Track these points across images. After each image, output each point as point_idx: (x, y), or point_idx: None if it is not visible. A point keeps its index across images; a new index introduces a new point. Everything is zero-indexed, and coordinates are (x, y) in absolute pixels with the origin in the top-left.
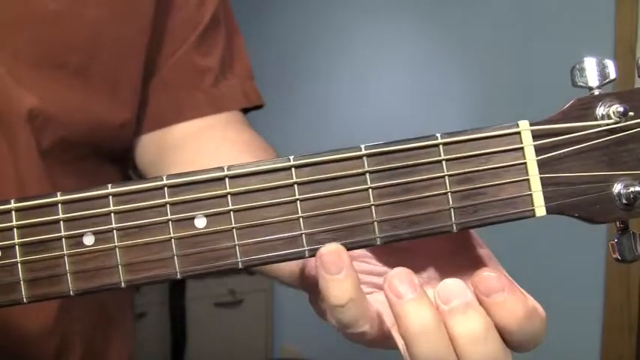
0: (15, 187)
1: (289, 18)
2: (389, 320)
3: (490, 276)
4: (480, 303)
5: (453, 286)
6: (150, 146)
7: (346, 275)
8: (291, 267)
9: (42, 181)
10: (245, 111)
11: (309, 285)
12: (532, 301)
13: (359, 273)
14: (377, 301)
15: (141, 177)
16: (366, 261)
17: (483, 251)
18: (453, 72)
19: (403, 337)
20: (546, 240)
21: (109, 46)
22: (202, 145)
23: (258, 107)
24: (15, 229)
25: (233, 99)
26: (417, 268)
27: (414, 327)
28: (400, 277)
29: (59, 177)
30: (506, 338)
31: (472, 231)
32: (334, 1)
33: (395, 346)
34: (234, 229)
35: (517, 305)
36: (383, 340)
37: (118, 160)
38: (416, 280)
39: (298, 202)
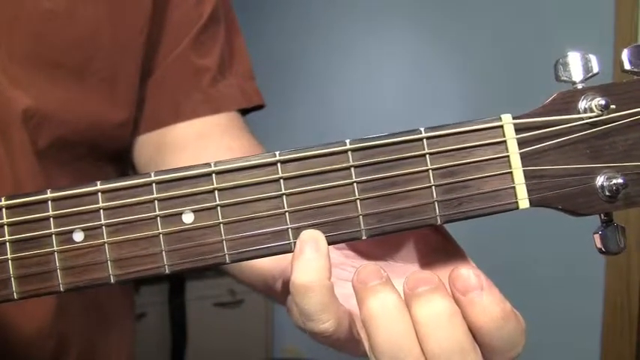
0: (12, 188)
1: (289, 20)
2: (359, 323)
3: (468, 273)
4: (456, 302)
5: (422, 274)
6: (148, 146)
7: (318, 257)
8: (272, 273)
9: (39, 182)
10: (246, 111)
11: (285, 290)
12: (510, 306)
13: (338, 279)
14: (351, 306)
15: None
16: (346, 269)
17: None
18: (452, 73)
19: (364, 324)
20: (546, 240)
21: (106, 44)
22: (200, 150)
23: (259, 107)
24: (5, 227)
25: (231, 99)
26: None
27: (375, 309)
28: (368, 267)
29: (56, 177)
30: (481, 341)
31: (456, 244)
32: (334, 4)
33: (365, 351)
34: (222, 224)
35: (494, 305)
36: (352, 343)
37: (116, 160)
38: (384, 273)
39: (284, 196)
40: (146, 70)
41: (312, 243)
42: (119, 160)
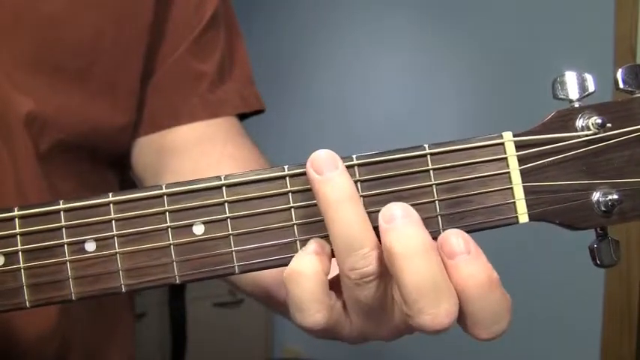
0: (14, 190)
1: (286, 18)
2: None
3: (457, 238)
4: (444, 267)
5: (397, 205)
6: (146, 149)
7: (320, 253)
8: (276, 281)
9: (41, 184)
10: (245, 115)
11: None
12: (497, 276)
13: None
14: None
15: (138, 180)
16: None
17: None
18: (454, 73)
19: (321, 206)
20: (546, 239)
21: (108, 48)
22: (202, 157)
23: (260, 111)
24: (18, 236)
25: (230, 104)
26: None
27: (327, 199)
28: (322, 155)
29: (58, 180)
30: (464, 308)
31: None
32: (334, 4)
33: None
34: (231, 236)
35: (480, 271)
36: (347, 332)
37: (116, 163)
38: (339, 161)
39: (292, 209)
40: (146, 72)
41: (319, 242)
42: (120, 163)
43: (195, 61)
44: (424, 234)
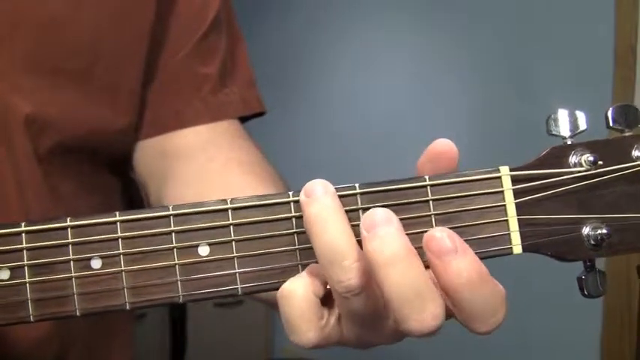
0: (15, 191)
1: (288, 21)
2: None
3: (442, 236)
4: (431, 265)
5: (379, 211)
6: (149, 152)
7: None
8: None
9: (41, 186)
10: (247, 117)
11: None
12: (487, 270)
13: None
14: None
15: (140, 183)
16: None
17: None
18: (452, 75)
19: (305, 225)
20: None
21: (108, 50)
22: (209, 161)
23: (261, 114)
24: (25, 251)
25: (232, 107)
26: None
27: (313, 217)
28: (315, 183)
29: (58, 182)
30: (458, 305)
31: None
32: (342, 5)
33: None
34: (235, 258)
35: (469, 267)
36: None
37: (118, 165)
38: (329, 186)
39: (296, 234)
40: (147, 75)
41: (315, 265)
42: (120, 165)
43: (198, 64)
44: (404, 240)
